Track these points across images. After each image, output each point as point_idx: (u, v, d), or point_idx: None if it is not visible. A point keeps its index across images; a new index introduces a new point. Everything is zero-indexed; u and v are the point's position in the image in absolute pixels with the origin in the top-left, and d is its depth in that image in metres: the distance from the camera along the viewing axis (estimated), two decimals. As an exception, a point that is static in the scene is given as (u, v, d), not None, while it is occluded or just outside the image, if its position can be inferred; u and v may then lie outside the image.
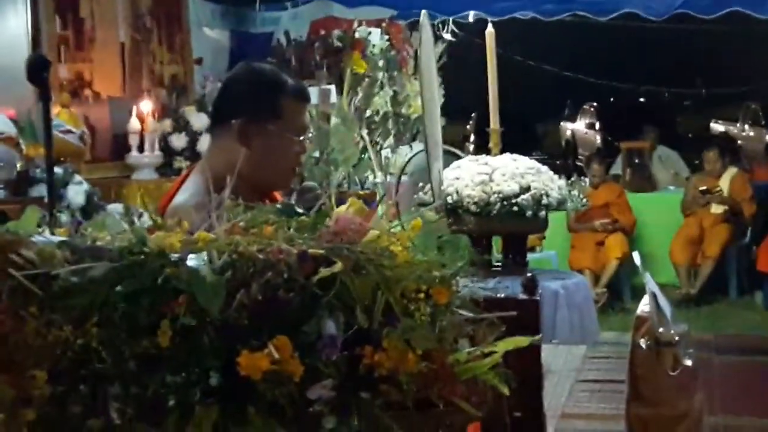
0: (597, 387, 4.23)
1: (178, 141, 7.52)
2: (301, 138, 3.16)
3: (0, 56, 5.41)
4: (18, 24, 5.92)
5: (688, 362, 3.48)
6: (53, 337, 1.72)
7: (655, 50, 12.70)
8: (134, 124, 7.07)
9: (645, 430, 3.39)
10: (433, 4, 8.39)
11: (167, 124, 7.61)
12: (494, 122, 4.97)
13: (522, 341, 2.08)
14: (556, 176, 4.46)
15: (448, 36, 10.45)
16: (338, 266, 1.74)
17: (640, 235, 9.09)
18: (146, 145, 7.18)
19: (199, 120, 7.49)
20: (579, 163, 13.10)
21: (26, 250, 1.76)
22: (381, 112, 8.70)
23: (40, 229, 1.94)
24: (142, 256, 1.75)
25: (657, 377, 3.53)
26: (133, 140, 7.15)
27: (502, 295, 2.63)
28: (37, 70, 2.98)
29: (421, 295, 1.80)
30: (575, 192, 4.50)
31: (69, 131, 5.76)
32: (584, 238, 9.58)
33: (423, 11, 5.19)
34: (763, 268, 8.73)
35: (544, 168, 4.45)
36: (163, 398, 1.74)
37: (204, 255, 1.77)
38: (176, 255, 1.76)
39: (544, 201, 4.15)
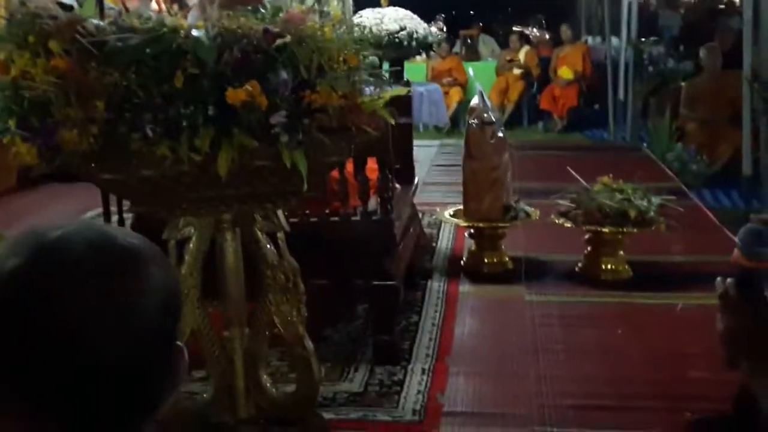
0: (444, 168, 7.82)
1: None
2: None
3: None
4: None
5: (500, 134, 4.86)
6: (106, 80, 2.40)
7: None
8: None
9: (474, 175, 4.78)
10: None
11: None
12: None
13: (401, 91, 2.86)
14: (423, 22, 5.78)
15: None
16: (288, 38, 2.47)
17: (470, 88, 11.39)
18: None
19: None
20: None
21: (88, 25, 2.46)
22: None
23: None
24: (165, 33, 2.43)
25: (482, 143, 4.76)
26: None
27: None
28: None
29: (341, 59, 2.54)
30: (434, 29, 5.77)
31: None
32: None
33: None
34: (543, 107, 12.12)
35: (416, 16, 5.54)
36: (178, 122, 2.44)
37: (202, 31, 2.48)
38: (184, 31, 2.47)
39: (415, 36, 5.39)
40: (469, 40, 13.86)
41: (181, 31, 2.46)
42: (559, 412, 3.32)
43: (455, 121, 11.57)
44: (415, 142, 5.06)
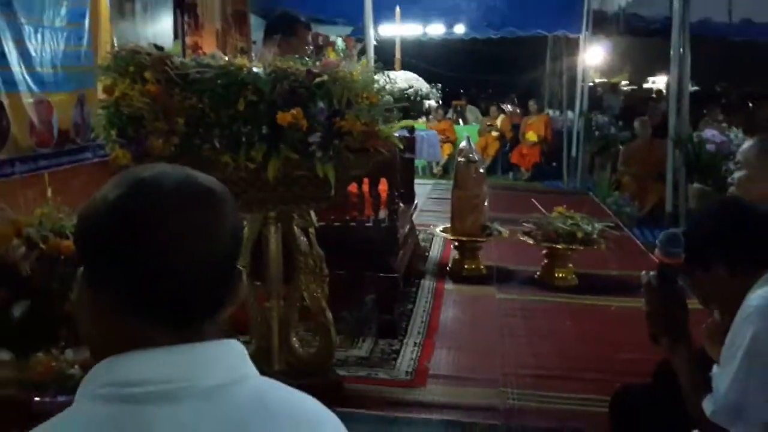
0: (436, 200, 7.70)
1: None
2: (306, 47, 3.78)
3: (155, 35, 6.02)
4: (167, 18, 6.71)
5: (482, 170, 4.78)
6: (186, 103, 2.40)
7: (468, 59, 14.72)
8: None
9: (459, 200, 4.78)
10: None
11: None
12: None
13: (410, 123, 2.85)
14: (426, 84, 5.63)
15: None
16: (325, 78, 2.47)
17: (459, 144, 11.00)
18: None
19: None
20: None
21: (175, 61, 2.47)
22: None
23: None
24: (233, 70, 2.45)
25: (467, 176, 4.75)
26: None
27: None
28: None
29: (365, 96, 2.54)
30: (434, 91, 5.53)
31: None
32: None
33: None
34: (513, 161, 12.01)
35: (421, 79, 5.42)
36: (239, 137, 2.45)
37: (261, 68, 2.49)
38: (247, 68, 2.47)
39: (420, 93, 5.28)
40: (458, 109, 13.92)
41: (245, 68, 2.48)
42: (518, 379, 3.29)
43: (446, 168, 11.50)
44: (416, 181, 5.09)
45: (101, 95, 2.73)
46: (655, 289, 1.86)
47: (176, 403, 0.80)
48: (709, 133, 5.24)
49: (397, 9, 5.71)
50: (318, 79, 2.50)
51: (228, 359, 0.87)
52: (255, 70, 2.48)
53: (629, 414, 2.69)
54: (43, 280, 2.65)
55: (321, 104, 2.50)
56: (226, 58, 2.58)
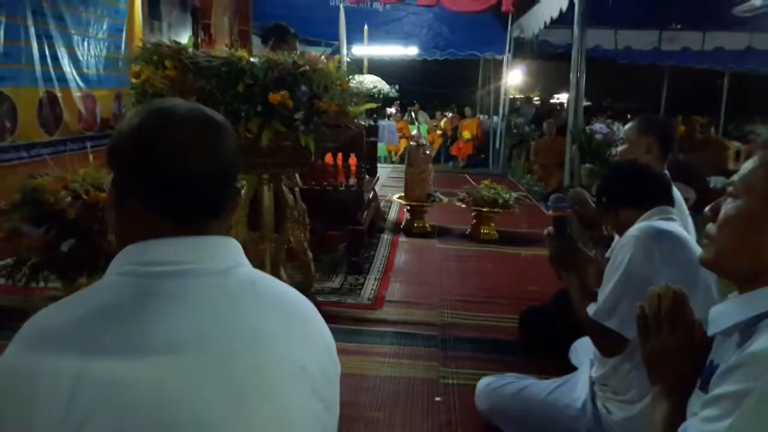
0: (394, 179, 7.21)
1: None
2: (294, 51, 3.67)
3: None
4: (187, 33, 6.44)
5: (428, 152, 4.70)
6: (197, 85, 2.27)
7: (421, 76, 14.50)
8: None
9: (411, 175, 4.72)
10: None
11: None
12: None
13: (372, 105, 2.78)
14: (387, 85, 5.31)
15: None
16: (307, 68, 2.38)
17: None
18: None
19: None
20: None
21: (189, 53, 2.37)
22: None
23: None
24: (234, 60, 2.35)
25: (416, 156, 4.68)
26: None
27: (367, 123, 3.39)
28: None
29: (338, 83, 2.47)
30: (393, 91, 5.25)
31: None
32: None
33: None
34: (452, 153, 11.81)
35: (384, 81, 5.20)
36: (239, 113, 2.33)
37: (257, 59, 2.39)
38: (245, 59, 2.37)
39: (383, 92, 5.02)
40: (413, 113, 13.78)
41: (244, 59, 2.38)
42: (451, 303, 3.28)
43: (402, 158, 11.40)
44: (379, 165, 5.02)
45: (132, 80, 2.63)
46: (552, 236, 1.88)
47: (184, 279, 0.78)
48: (598, 126, 5.27)
49: (365, 29, 5.58)
50: (301, 69, 2.40)
51: (228, 250, 0.84)
52: (252, 60, 2.38)
53: (534, 326, 2.71)
54: (85, 223, 2.57)
55: (304, 88, 2.39)
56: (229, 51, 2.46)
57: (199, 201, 0.82)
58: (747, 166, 0.97)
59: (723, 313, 0.94)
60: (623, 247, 1.65)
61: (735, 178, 1.00)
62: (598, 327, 1.64)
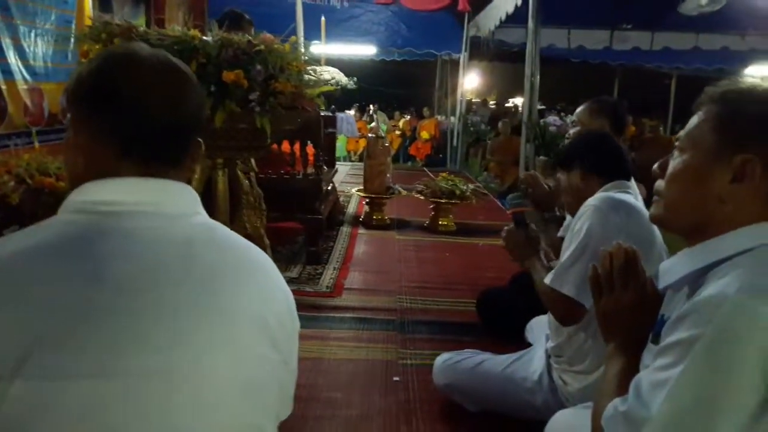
0: (353, 175, 7.09)
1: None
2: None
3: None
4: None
5: (386, 144, 4.68)
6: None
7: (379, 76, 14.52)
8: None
9: (370, 168, 4.73)
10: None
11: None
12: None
13: (330, 88, 2.74)
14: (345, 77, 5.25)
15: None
16: (262, 47, 2.34)
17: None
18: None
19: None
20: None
21: (139, 31, 2.29)
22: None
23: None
24: (187, 38, 2.30)
25: (375, 148, 4.67)
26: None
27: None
28: None
29: (294, 64, 2.43)
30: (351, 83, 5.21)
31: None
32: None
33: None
34: (411, 153, 12.01)
35: (342, 73, 5.16)
36: None
37: (211, 38, 2.34)
38: (198, 38, 2.32)
39: (341, 82, 4.93)
40: (371, 113, 13.82)
41: (197, 38, 2.33)
42: (409, 289, 3.29)
43: (361, 157, 11.40)
44: (338, 163, 4.99)
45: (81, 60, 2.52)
46: (512, 231, 1.91)
47: (140, 220, 0.75)
48: (552, 119, 5.39)
49: (323, 21, 5.54)
50: (256, 47, 2.35)
51: (187, 197, 0.81)
52: (205, 39, 2.32)
53: (490, 306, 2.73)
54: (30, 209, 2.46)
55: (259, 67, 2.34)
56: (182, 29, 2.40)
57: (159, 144, 0.79)
58: (693, 121, 1.00)
59: (672, 267, 0.95)
60: (581, 216, 1.69)
61: (682, 133, 1.02)
62: (554, 294, 1.67)
